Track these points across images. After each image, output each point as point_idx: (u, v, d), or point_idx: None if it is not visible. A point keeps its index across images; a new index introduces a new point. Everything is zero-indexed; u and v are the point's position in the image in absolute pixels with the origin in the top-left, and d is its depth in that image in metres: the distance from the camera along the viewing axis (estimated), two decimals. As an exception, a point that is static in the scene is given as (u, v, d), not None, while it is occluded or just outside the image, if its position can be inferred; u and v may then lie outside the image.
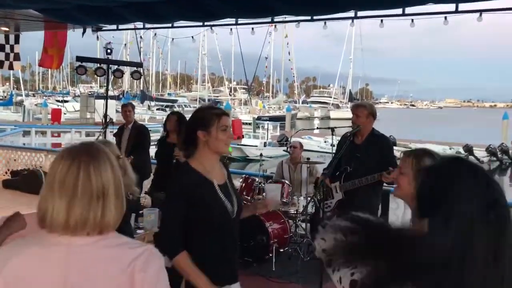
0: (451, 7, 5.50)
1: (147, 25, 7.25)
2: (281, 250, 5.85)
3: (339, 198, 4.51)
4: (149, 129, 7.32)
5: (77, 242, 1.31)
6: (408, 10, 5.81)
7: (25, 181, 9.09)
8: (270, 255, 5.58)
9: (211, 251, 2.35)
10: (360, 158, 4.29)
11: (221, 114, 2.43)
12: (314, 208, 6.20)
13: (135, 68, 8.13)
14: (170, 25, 6.73)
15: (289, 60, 55.01)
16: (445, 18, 5.70)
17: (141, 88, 49.02)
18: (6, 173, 10.50)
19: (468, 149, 22.48)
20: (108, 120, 7.39)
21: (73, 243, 1.31)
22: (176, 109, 44.39)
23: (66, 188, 1.30)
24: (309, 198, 6.04)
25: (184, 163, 2.44)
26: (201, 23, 6.58)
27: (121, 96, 42.58)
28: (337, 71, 72.53)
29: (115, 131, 7.19)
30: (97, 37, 7.74)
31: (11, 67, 8.83)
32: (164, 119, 6.20)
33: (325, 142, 24.02)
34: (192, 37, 7.19)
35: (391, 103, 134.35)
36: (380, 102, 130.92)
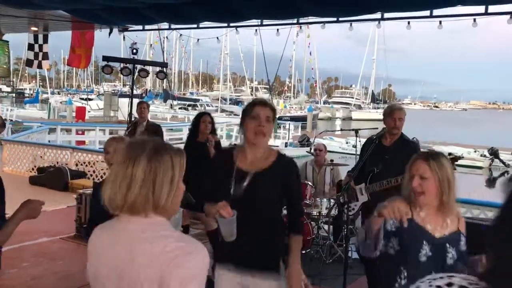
0: (480, 9, 5.40)
1: (173, 26, 7.31)
2: (303, 251, 5.83)
3: (364, 201, 4.45)
4: (171, 128, 7.36)
5: (132, 227, 1.50)
6: (436, 11, 5.72)
7: (51, 178, 9.28)
8: (293, 256, 5.57)
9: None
10: (389, 160, 4.23)
11: (256, 103, 2.53)
12: (337, 210, 6.17)
13: (159, 68, 8.23)
14: (195, 26, 6.78)
15: (309, 61, 54.79)
16: (474, 20, 5.59)
17: (164, 87, 49.43)
18: (32, 169, 10.73)
19: (494, 152, 21.98)
20: (133, 119, 7.49)
21: (130, 227, 1.51)
22: (199, 108, 44.74)
23: (111, 173, 1.56)
24: (332, 201, 6.02)
25: (233, 145, 2.67)
26: (226, 24, 6.61)
27: (144, 95, 42.99)
28: (360, 71, 72.00)
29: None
30: (123, 37, 7.86)
31: (40, 66, 9.01)
32: (194, 119, 5.77)
33: (347, 143, 23.85)
34: (217, 38, 7.23)
35: (414, 104, 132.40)
36: (403, 103, 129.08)
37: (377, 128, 4.95)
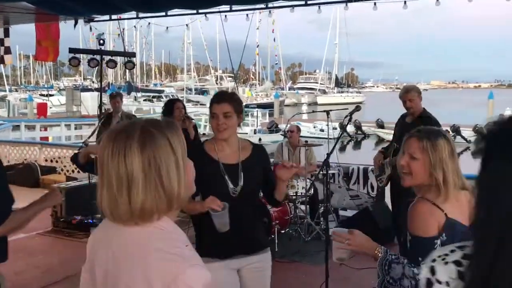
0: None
1: (140, 15, 7.23)
2: (282, 231, 5.98)
3: (389, 173, 5.02)
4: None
5: (125, 229, 1.25)
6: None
7: (21, 175, 9.08)
8: (273, 236, 5.71)
9: (209, 225, 2.41)
10: None
11: (213, 101, 2.59)
12: (312, 190, 6.33)
13: (127, 58, 8.14)
14: (164, 14, 6.74)
15: (274, 48, 55.00)
16: (437, -1, 5.81)
17: (127, 79, 48.62)
18: (0, 168, 10.47)
19: (455, 129, 22.74)
20: (104, 111, 7.41)
21: (121, 228, 1.25)
22: (164, 99, 44.18)
23: (100, 175, 1.25)
24: (308, 181, 6.18)
25: (199, 142, 2.67)
26: (195, 11, 6.60)
27: (106, 88, 42.21)
28: (323, 56, 72.73)
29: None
30: (90, 28, 7.73)
31: (2, 61, 8.73)
32: (165, 106, 6.09)
33: (314, 127, 24.20)
34: (187, 25, 7.22)
35: (377, 86, 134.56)
36: (366, 86, 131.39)
37: (347, 109, 5.26)
